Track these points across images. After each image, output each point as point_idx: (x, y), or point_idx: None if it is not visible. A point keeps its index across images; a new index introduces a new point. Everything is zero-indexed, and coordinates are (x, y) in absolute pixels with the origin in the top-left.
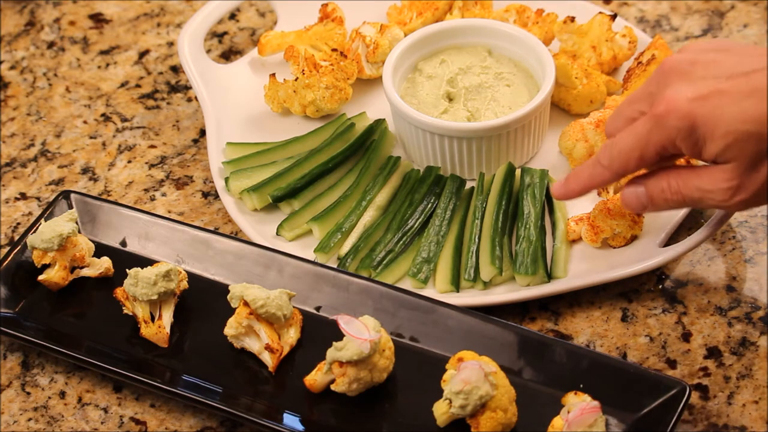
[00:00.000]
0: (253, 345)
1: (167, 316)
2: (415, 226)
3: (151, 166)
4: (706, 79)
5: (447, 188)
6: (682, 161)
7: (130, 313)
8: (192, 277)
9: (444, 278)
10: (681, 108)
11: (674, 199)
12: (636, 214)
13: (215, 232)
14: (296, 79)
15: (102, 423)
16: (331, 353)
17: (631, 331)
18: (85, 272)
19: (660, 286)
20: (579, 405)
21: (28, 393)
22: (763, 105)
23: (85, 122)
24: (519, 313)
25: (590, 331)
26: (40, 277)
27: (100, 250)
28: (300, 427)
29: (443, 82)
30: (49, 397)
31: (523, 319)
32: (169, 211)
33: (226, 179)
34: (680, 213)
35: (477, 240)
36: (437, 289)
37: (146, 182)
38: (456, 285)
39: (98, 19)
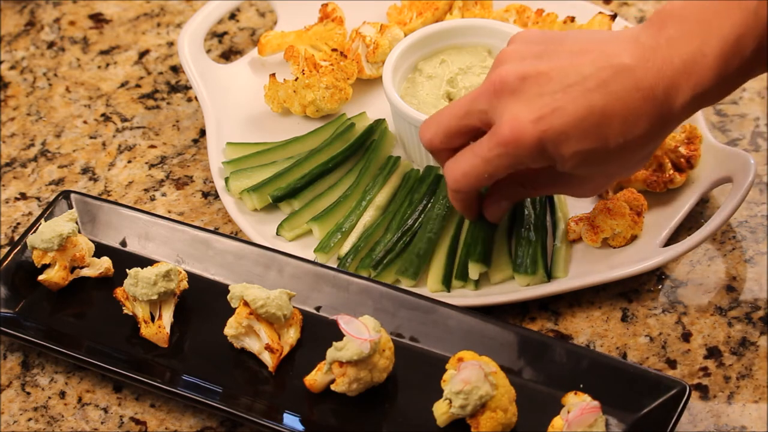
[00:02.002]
0: (253, 345)
1: (167, 316)
2: (415, 226)
3: (151, 166)
4: (542, 96)
5: (442, 187)
6: None
7: (130, 313)
8: (192, 277)
9: (436, 278)
10: (526, 133)
11: (536, 198)
12: None
13: (215, 232)
14: (296, 79)
15: (102, 423)
16: (331, 353)
17: (631, 331)
18: (85, 272)
19: (660, 286)
20: (579, 405)
21: (28, 393)
22: (601, 115)
23: (85, 122)
24: (519, 313)
25: (590, 331)
26: (40, 277)
27: (100, 250)
28: (300, 427)
29: (443, 82)
30: (49, 397)
31: (523, 319)
32: (169, 211)
33: (226, 179)
34: (680, 213)
35: (472, 240)
36: (428, 288)
37: (146, 182)
38: (447, 285)
39: (98, 19)
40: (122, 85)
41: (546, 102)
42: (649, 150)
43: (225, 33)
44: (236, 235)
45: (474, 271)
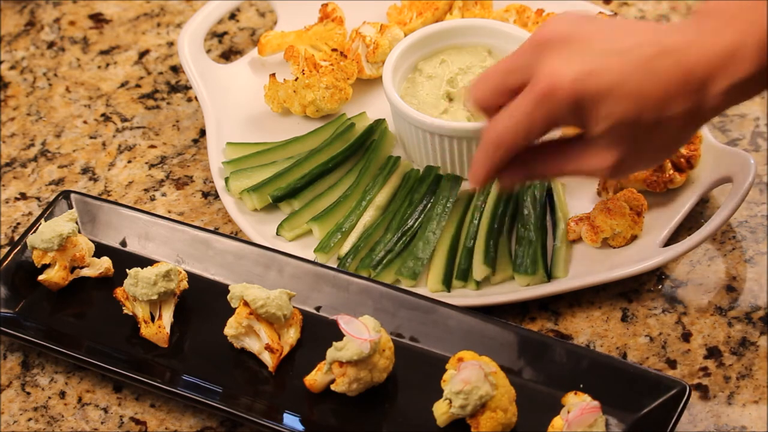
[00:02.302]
0: (253, 345)
1: (167, 316)
2: (415, 226)
3: (151, 166)
4: (585, 55)
5: (442, 187)
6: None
7: (130, 313)
8: (192, 277)
9: (436, 278)
10: (565, 86)
11: (554, 177)
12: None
13: (215, 232)
14: (296, 79)
15: (102, 423)
16: (331, 353)
17: (631, 331)
18: (85, 272)
19: (660, 286)
20: (579, 405)
21: (28, 393)
22: (646, 84)
23: (85, 122)
24: (519, 313)
25: (590, 331)
26: (40, 277)
27: (100, 250)
28: (300, 427)
29: (443, 82)
30: (49, 397)
31: (523, 319)
32: (169, 211)
33: (226, 179)
34: (680, 213)
35: (473, 240)
36: (429, 288)
37: (146, 182)
38: (448, 285)
39: (98, 19)
40: (122, 85)
41: (587, 61)
42: (678, 139)
43: (225, 33)
44: (236, 235)
45: (480, 272)
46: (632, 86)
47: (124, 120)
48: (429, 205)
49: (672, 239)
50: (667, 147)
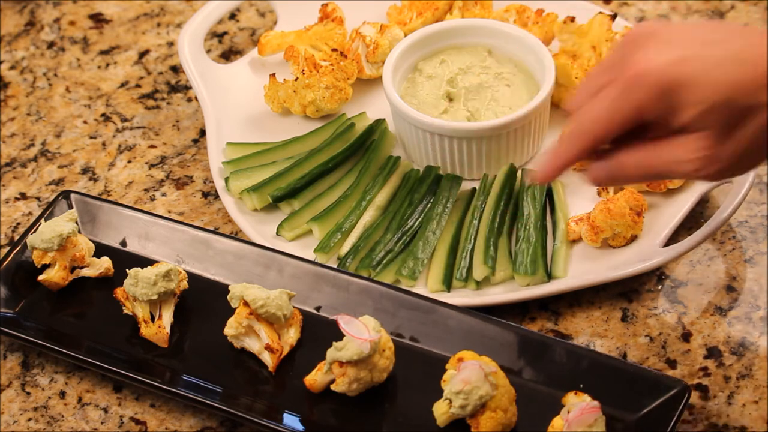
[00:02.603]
0: (253, 345)
1: (167, 316)
2: (415, 226)
3: (151, 166)
4: (675, 45)
5: (442, 187)
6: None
7: (130, 313)
8: (192, 277)
9: (436, 277)
10: (654, 70)
11: (642, 173)
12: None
13: (215, 232)
14: (296, 79)
15: (102, 423)
16: (331, 353)
17: (631, 331)
18: (85, 272)
19: (660, 286)
20: (579, 405)
21: (28, 393)
22: (737, 72)
23: (85, 122)
24: (519, 313)
25: (590, 331)
26: (40, 277)
27: (100, 250)
28: (300, 427)
29: (443, 82)
30: (49, 397)
31: (523, 319)
32: (169, 211)
33: (226, 179)
34: (680, 213)
35: (473, 240)
36: (429, 288)
37: (146, 182)
38: (448, 285)
39: (98, 19)
40: (122, 85)
41: (677, 50)
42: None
43: (225, 33)
44: (236, 235)
45: (480, 272)
46: (723, 72)
47: (124, 120)
48: (429, 205)
49: (672, 239)
50: (759, 145)
